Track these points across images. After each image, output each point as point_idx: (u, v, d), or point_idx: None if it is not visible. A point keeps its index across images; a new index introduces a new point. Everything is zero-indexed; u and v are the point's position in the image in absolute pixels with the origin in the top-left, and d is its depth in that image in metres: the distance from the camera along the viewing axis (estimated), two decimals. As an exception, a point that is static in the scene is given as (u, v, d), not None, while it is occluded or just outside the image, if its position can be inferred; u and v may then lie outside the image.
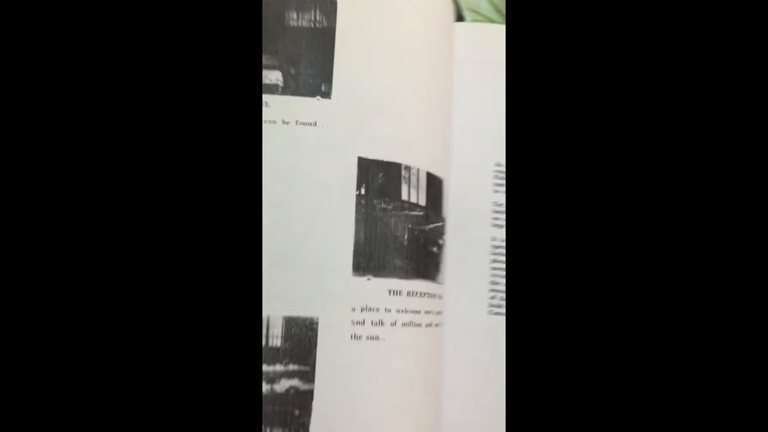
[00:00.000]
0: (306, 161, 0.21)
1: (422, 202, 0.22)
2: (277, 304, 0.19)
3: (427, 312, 0.22)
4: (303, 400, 0.18)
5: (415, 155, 0.22)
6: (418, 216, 0.22)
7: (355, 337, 0.19)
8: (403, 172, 0.22)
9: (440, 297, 0.23)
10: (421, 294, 0.21)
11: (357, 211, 0.20)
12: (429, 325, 0.22)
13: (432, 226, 0.23)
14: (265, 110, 0.21)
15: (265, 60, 0.21)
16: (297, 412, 0.18)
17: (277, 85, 0.21)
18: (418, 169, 0.22)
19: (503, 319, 0.23)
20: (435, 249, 0.23)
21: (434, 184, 0.23)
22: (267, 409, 0.18)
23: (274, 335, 0.18)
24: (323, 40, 0.22)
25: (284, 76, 0.21)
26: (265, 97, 0.21)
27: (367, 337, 0.19)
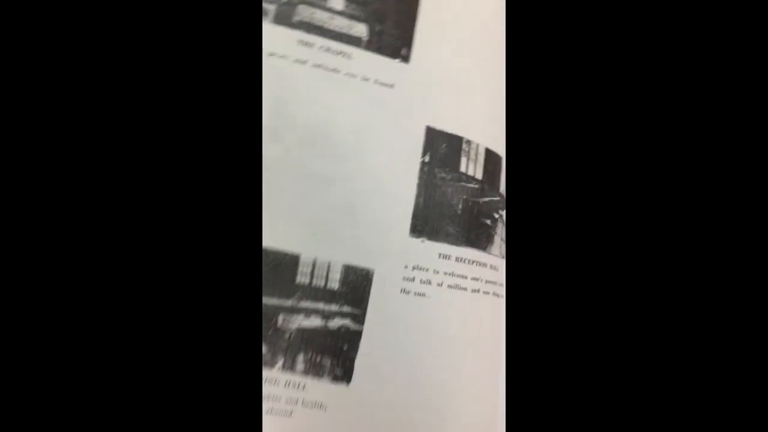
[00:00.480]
0: (380, 121, 0.22)
1: (479, 175, 0.24)
2: (339, 252, 0.21)
3: (474, 278, 0.23)
4: (352, 338, 0.21)
5: (476, 131, 0.23)
6: (473, 188, 0.23)
7: (404, 291, 0.21)
8: (464, 146, 0.23)
9: (493, 267, 0.24)
10: (469, 261, 0.23)
11: (419, 177, 0.22)
12: (476, 291, 0.23)
13: (487, 199, 0.24)
14: (347, 62, 0.22)
15: (351, 10, 0.22)
16: (346, 347, 0.21)
17: (361, 39, 0.22)
18: (477, 144, 0.23)
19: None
20: (488, 221, 0.24)
21: (492, 161, 0.24)
22: (321, 341, 0.20)
23: (333, 279, 0.21)
24: (409, 3, 0.22)
25: (369, 31, 0.22)
26: (349, 49, 0.22)
27: (415, 293, 0.21)
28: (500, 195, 0.25)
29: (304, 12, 0.21)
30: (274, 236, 0.20)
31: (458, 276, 0.22)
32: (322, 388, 0.20)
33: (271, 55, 0.21)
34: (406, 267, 0.21)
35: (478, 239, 0.23)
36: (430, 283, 0.22)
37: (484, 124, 0.24)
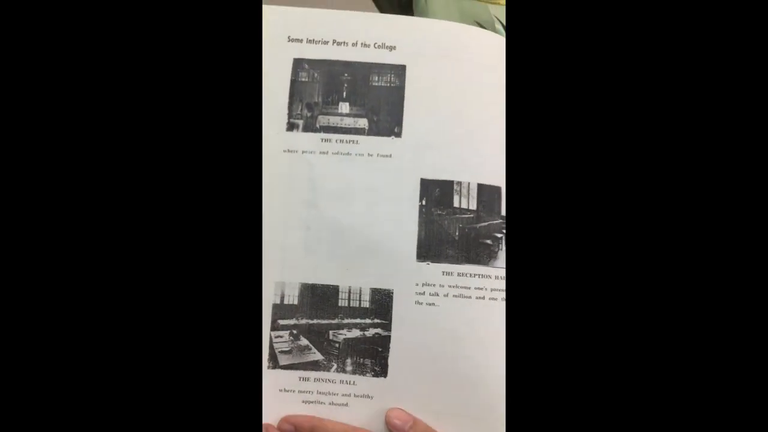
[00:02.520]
0: (385, 182, 0.30)
1: (472, 207, 0.30)
2: (366, 280, 0.28)
3: (477, 288, 0.29)
4: (384, 342, 0.28)
5: (465, 173, 0.30)
6: (468, 218, 0.30)
7: (418, 303, 0.28)
8: (455, 186, 0.30)
9: (499, 277, 0.30)
10: (470, 274, 0.29)
11: (419, 217, 0.29)
12: (480, 298, 0.29)
13: (485, 224, 0.31)
14: (356, 146, 0.30)
15: (354, 111, 0.31)
16: (380, 349, 0.28)
17: (364, 129, 0.31)
18: (468, 183, 0.30)
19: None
20: (489, 241, 0.31)
21: (486, 192, 0.31)
22: (362, 347, 0.28)
23: (364, 300, 0.28)
24: (396, 95, 0.31)
25: (369, 122, 0.31)
26: (357, 137, 0.31)
27: (427, 303, 0.28)
28: (502, 217, 0.31)
29: (323, 120, 0.31)
30: (319, 274, 0.29)
31: (461, 287, 0.28)
32: (367, 382, 0.27)
33: (304, 152, 0.30)
34: (417, 284, 0.28)
35: (479, 257, 0.29)
36: (437, 294, 0.28)
37: (473, 166, 0.30)
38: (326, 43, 0.31)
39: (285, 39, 0.31)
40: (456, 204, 0.30)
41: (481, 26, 0.34)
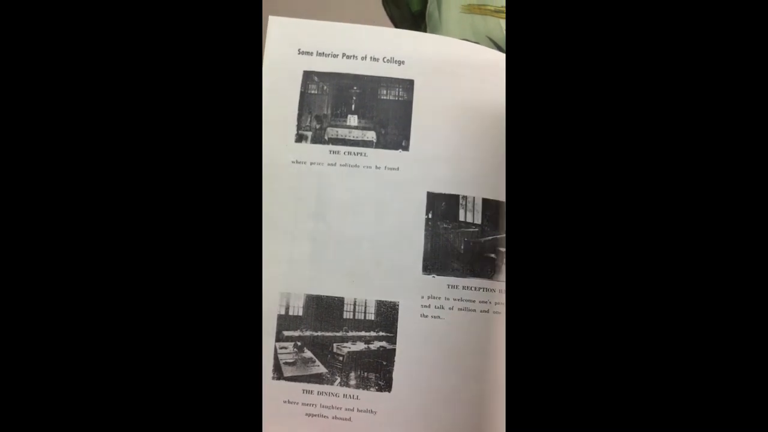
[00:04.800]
0: (392, 195, 0.30)
1: (477, 221, 0.30)
2: (372, 292, 0.28)
3: (482, 301, 0.29)
4: (389, 355, 0.27)
5: (470, 188, 0.30)
6: (473, 231, 0.30)
7: (423, 315, 0.28)
8: (461, 201, 0.30)
9: (501, 291, 0.30)
10: (475, 288, 0.29)
11: (425, 230, 0.29)
12: (485, 311, 0.29)
13: (489, 238, 0.31)
14: (364, 159, 0.31)
15: (363, 124, 0.31)
16: (385, 363, 0.27)
17: (372, 141, 0.31)
18: (474, 197, 0.30)
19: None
20: (492, 255, 0.31)
21: (491, 207, 0.31)
22: (366, 360, 0.28)
23: (369, 312, 0.28)
24: (404, 109, 0.31)
25: (377, 135, 0.31)
26: (365, 150, 0.31)
27: (432, 316, 0.28)
28: (505, 232, 0.31)
29: (331, 132, 0.31)
30: (324, 286, 0.28)
31: (466, 300, 0.28)
32: (371, 397, 0.27)
33: (312, 164, 0.30)
34: (422, 297, 0.28)
35: (483, 270, 0.30)
36: (443, 308, 0.28)
37: (478, 181, 0.31)
38: (336, 56, 0.32)
39: (295, 51, 0.32)
40: (461, 218, 0.30)
41: (493, 42, 0.35)
